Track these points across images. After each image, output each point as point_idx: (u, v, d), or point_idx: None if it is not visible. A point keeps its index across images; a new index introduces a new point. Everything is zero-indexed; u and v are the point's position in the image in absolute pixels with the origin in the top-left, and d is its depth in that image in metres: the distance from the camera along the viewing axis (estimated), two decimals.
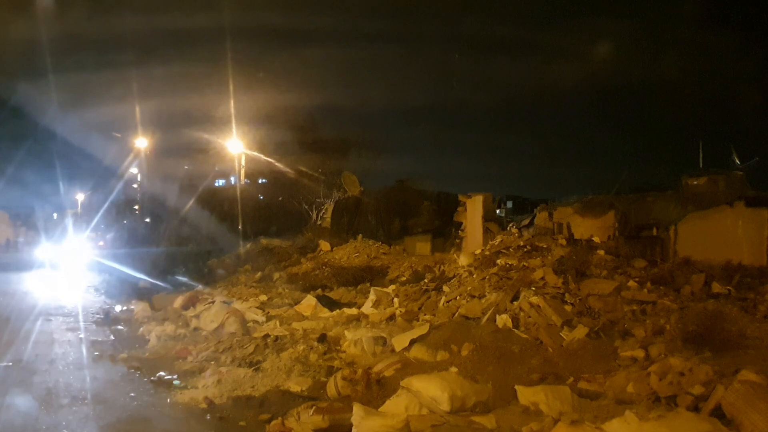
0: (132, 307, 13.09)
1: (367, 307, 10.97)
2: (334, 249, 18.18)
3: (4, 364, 7.93)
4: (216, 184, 27.79)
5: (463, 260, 11.20)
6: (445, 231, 18.45)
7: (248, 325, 10.18)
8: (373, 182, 24.31)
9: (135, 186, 25.18)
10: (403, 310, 10.08)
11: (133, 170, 25.91)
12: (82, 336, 10.26)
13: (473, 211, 15.94)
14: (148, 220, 20.41)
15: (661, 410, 4.68)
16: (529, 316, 8.08)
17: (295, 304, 12.13)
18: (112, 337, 10.21)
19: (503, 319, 8.09)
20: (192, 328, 10.48)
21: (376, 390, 6.10)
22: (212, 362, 7.80)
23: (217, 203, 22.61)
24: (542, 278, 9.12)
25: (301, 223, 22.07)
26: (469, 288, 9.65)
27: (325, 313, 11.34)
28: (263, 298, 13.33)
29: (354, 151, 24.98)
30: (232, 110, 23.18)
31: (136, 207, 22.11)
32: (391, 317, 9.77)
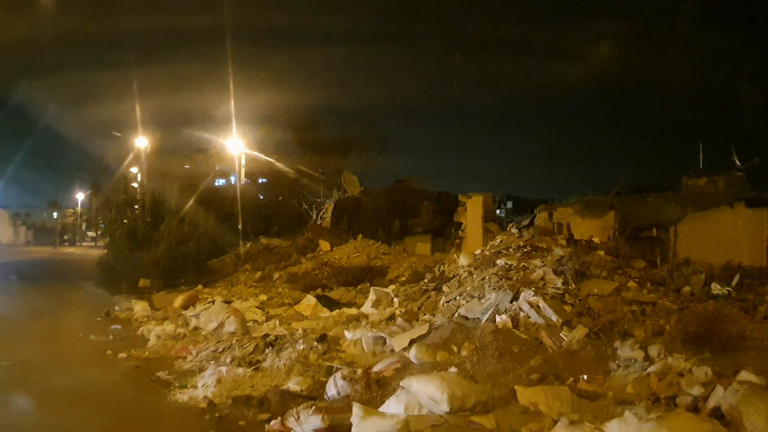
0: (132, 306, 13.09)
1: (366, 307, 10.97)
2: (334, 249, 18.17)
3: (4, 363, 7.93)
4: (216, 184, 27.78)
5: (463, 260, 11.21)
6: (445, 231, 18.44)
7: (248, 324, 10.17)
8: (373, 182, 24.32)
9: (135, 185, 25.13)
10: (403, 310, 10.08)
11: (133, 169, 25.91)
12: (81, 335, 10.25)
13: (473, 211, 15.95)
14: (148, 219, 20.33)
15: (661, 411, 4.67)
16: (529, 317, 8.08)
17: (295, 304, 12.13)
18: (111, 337, 10.21)
19: (503, 319, 8.09)
20: (192, 327, 10.48)
21: (375, 390, 6.10)
22: (212, 362, 7.80)
23: (217, 203, 22.57)
24: (542, 278, 9.12)
25: (301, 223, 22.04)
26: (468, 288, 9.66)
27: (325, 312, 11.34)
28: (263, 297, 13.33)
29: (354, 151, 24.97)
30: (232, 110, 23.20)
31: (136, 206, 22.03)
32: (391, 317, 9.77)
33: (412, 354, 7.21)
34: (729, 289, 8.65)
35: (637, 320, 7.92)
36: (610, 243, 11.03)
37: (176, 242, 18.63)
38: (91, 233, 59.72)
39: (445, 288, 10.30)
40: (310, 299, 12.11)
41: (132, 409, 6.24)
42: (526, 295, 8.44)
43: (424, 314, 9.50)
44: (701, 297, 8.55)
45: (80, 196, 56.77)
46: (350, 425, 4.80)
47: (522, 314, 8.18)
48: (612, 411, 5.00)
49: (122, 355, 8.72)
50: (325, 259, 17.29)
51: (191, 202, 20.36)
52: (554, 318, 7.92)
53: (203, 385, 6.89)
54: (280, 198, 24.87)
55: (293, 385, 6.54)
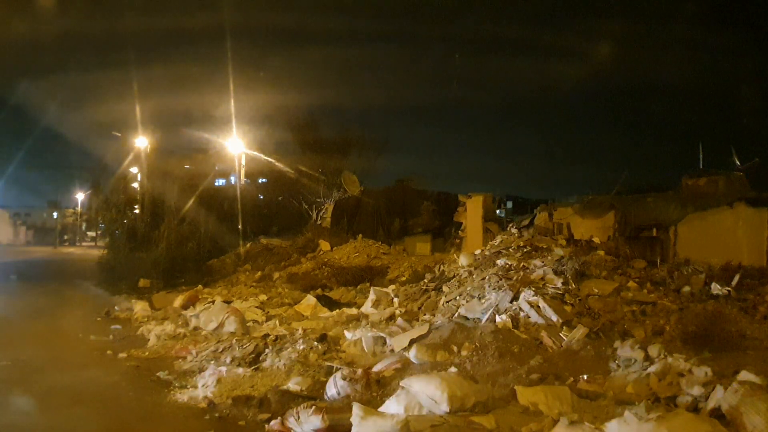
0: (132, 306, 13.09)
1: (367, 307, 10.97)
2: (334, 249, 18.17)
3: (4, 363, 7.93)
4: (216, 184, 27.77)
5: (463, 260, 11.21)
6: (445, 231, 18.43)
7: (248, 324, 10.17)
8: (373, 182, 24.31)
9: (135, 185, 25.16)
10: (403, 310, 10.08)
11: (133, 169, 25.95)
12: (81, 335, 10.25)
13: (473, 211, 15.95)
14: (148, 219, 20.33)
15: (661, 411, 4.67)
16: (529, 317, 8.08)
17: (295, 304, 12.13)
18: (111, 337, 10.21)
19: (503, 319, 8.09)
20: (192, 327, 10.48)
21: (375, 390, 6.10)
22: (212, 362, 7.80)
23: (217, 203, 22.55)
24: (542, 278, 9.13)
25: (301, 223, 22.03)
26: (468, 288, 9.66)
27: (325, 312, 11.34)
28: (263, 297, 13.33)
29: (354, 151, 24.98)
30: (233, 110, 23.21)
31: (136, 206, 22.04)
32: (391, 317, 9.77)
33: (412, 354, 7.21)
34: (729, 289, 8.65)
35: (637, 320, 7.92)
36: (610, 243, 11.03)
37: (176, 242, 18.61)
38: (91, 233, 59.66)
39: (445, 288, 10.31)
40: (310, 299, 12.11)
41: (132, 409, 6.23)
42: (526, 295, 8.44)
43: (424, 314, 9.50)
44: (701, 297, 8.55)
45: (80, 196, 56.68)
46: (350, 425, 4.79)
47: (522, 314, 8.18)
48: (612, 411, 5.00)
49: (122, 355, 8.72)
50: (325, 259, 17.28)
51: (191, 202, 20.35)
52: (554, 318, 7.92)
53: (203, 385, 6.88)
54: (280, 198, 24.86)
55: (293, 385, 6.54)
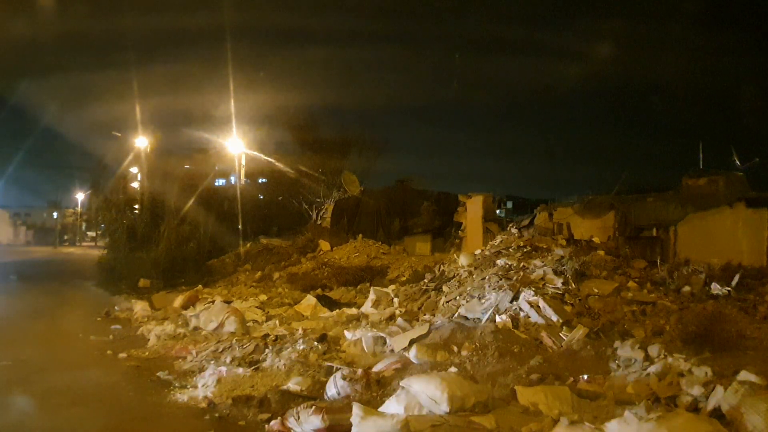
0: (132, 306, 13.09)
1: (366, 307, 10.97)
2: (334, 249, 18.17)
3: (4, 363, 7.93)
4: (216, 184, 27.76)
5: (463, 260, 11.21)
6: (445, 231, 18.45)
7: (248, 324, 10.17)
8: (373, 182, 24.34)
9: (135, 185, 25.17)
10: (403, 310, 10.08)
11: (133, 169, 25.95)
12: (81, 335, 10.25)
13: (473, 211, 15.96)
14: (148, 219, 20.33)
15: (661, 411, 4.68)
16: (529, 317, 8.09)
17: (295, 304, 12.13)
18: (111, 337, 10.21)
19: (503, 319, 8.09)
20: (192, 327, 10.48)
21: (375, 390, 6.09)
22: (212, 362, 7.80)
23: (217, 203, 22.56)
24: (542, 278, 9.13)
25: (301, 223, 22.04)
26: (468, 288, 9.66)
27: (325, 312, 11.34)
28: (263, 297, 13.33)
29: (354, 151, 24.99)
30: (233, 110, 23.20)
31: (136, 206, 22.04)
32: (391, 317, 9.77)
33: (412, 354, 7.21)
34: (729, 289, 8.66)
35: (637, 320, 7.92)
36: (610, 243, 11.04)
37: (176, 242, 18.61)
38: (91, 233, 59.65)
39: (445, 288, 10.31)
40: (310, 299, 12.11)
41: (132, 409, 6.23)
42: (526, 295, 8.44)
43: (424, 314, 9.50)
44: (701, 297, 8.56)
45: (80, 196, 56.66)
46: (350, 425, 4.79)
47: (522, 314, 8.19)
48: (612, 411, 5.00)
49: (122, 355, 8.72)
50: (325, 259, 17.29)
51: (191, 202, 20.35)
52: (554, 318, 7.92)
53: (203, 385, 6.88)
54: (280, 198, 24.86)
55: (293, 385, 6.53)
